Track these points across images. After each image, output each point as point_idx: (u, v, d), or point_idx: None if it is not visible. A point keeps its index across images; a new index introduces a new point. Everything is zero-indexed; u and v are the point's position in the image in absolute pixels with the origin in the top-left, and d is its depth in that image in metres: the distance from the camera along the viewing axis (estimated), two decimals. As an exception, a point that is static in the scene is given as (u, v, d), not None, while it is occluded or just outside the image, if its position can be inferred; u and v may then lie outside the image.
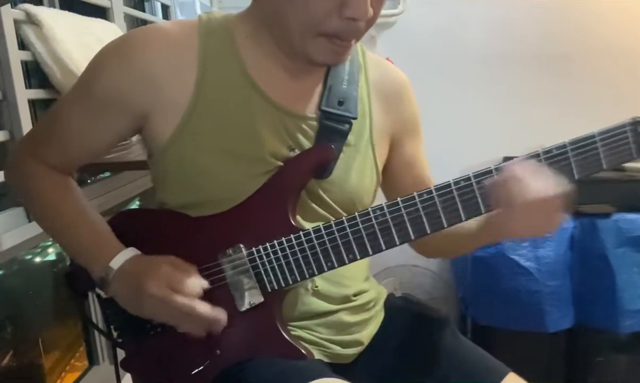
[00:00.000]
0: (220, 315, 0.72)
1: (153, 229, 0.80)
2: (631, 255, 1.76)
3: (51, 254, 1.46)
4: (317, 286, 0.80)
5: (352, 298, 0.84)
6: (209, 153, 0.74)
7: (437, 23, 2.15)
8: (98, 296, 0.82)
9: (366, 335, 0.86)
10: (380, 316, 0.90)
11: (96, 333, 1.48)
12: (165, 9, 1.96)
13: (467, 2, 2.12)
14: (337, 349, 0.82)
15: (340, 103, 0.78)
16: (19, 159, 0.82)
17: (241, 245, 0.74)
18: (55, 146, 0.79)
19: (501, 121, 2.17)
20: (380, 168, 0.85)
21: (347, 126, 0.78)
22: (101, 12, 1.42)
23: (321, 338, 0.81)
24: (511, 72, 2.14)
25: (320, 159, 0.76)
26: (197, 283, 0.72)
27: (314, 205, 0.79)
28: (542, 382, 0.77)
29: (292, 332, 0.79)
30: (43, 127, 0.82)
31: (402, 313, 0.91)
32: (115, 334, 0.83)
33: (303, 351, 0.76)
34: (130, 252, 0.75)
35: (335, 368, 0.79)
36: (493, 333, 1.88)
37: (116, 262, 0.74)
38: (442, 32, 2.15)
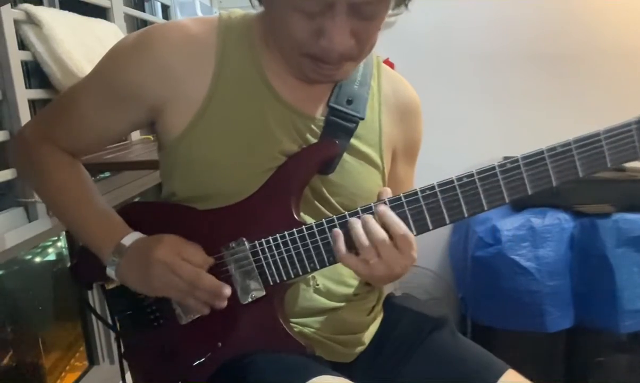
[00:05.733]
0: (223, 289, 0.72)
1: (158, 221, 0.80)
2: (631, 255, 1.76)
3: (51, 254, 1.46)
4: (318, 285, 0.80)
5: (353, 298, 0.84)
6: (219, 148, 0.75)
7: (437, 23, 2.15)
8: (102, 287, 0.83)
9: (367, 334, 0.87)
10: (381, 316, 0.91)
11: (96, 333, 1.48)
12: (165, 9, 1.96)
13: (466, 2, 2.12)
14: (338, 348, 0.82)
15: (349, 102, 0.78)
16: (27, 139, 0.82)
17: (244, 239, 0.74)
18: (67, 131, 0.80)
19: (500, 121, 2.17)
20: (387, 175, 0.85)
21: (353, 125, 0.78)
22: (101, 12, 1.43)
23: (322, 336, 0.81)
24: (510, 72, 2.15)
25: (324, 154, 0.76)
26: (203, 255, 0.73)
27: (319, 205, 0.79)
28: (542, 382, 0.77)
29: (294, 329, 0.79)
30: (55, 111, 0.82)
31: (402, 312, 0.91)
32: (118, 326, 0.84)
33: (304, 344, 0.76)
34: (140, 234, 0.77)
35: (336, 366, 0.80)
36: (493, 333, 1.88)
37: (128, 240, 0.75)
38: (443, 32, 2.15)
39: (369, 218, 0.68)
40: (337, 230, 0.70)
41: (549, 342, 1.85)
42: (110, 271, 0.75)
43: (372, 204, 0.70)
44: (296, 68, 0.73)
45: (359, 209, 0.70)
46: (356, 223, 0.69)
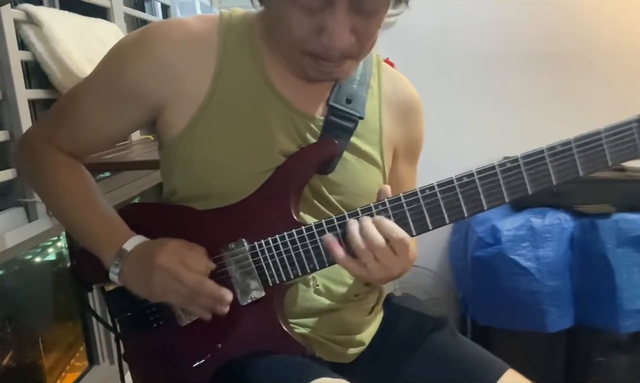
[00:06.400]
0: (226, 294, 0.72)
1: (158, 222, 0.80)
2: (631, 255, 1.76)
3: (51, 254, 1.46)
4: (318, 285, 0.80)
5: (353, 298, 0.84)
6: (220, 147, 0.75)
7: (437, 23, 2.15)
8: (102, 289, 0.83)
9: (367, 335, 0.86)
10: (380, 316, 0.91)
11: (96, 333, 1.48)
12: (165, 9, 1.96)
13: (466, 2, 2.12)
14: (338, 348, 0.82)
15: (348, 101, 0.78)
16: (30, 142, 0.82)
17: (243, 239, 0.74)
18: (69, 132, 0.80)
19: (500, 121, 2.17)
20: (388, 174, 0.85)
21: (352, 124, 0.78)
22: (101, 12, 1.42)
23: (322, 337, 0.81)
24: (510, 72, 2.15)
25: (323, 154, 0.76)
26: (206, 261, 0.73)
27: (319, 204, 0.79)
28: (542, 382, 0.77)
29: (294, 329, 0.79)
30: (57, 113, 0.82)
31: (402, 312, 0.91)
32: (118, 327, 0.84)
33: (304, 345, 0.76)
34: (141, 238, 0.76)
35: (336, 367, 0.80)
36: (493, 333, 1.88)
37: (130, 244, 0.75)
38: (443, 32, 2.15)
39: (366, 223, 0.68)
40: (329, 237, 0.69)
41: (549, 342, 1.85)
42: (113, 276, 0.75)
43: (371, 204, 0.70)
44: (297, 66, 0.73)
45: (358, 209, 0.70)
46: (353, 227, 0.68)
